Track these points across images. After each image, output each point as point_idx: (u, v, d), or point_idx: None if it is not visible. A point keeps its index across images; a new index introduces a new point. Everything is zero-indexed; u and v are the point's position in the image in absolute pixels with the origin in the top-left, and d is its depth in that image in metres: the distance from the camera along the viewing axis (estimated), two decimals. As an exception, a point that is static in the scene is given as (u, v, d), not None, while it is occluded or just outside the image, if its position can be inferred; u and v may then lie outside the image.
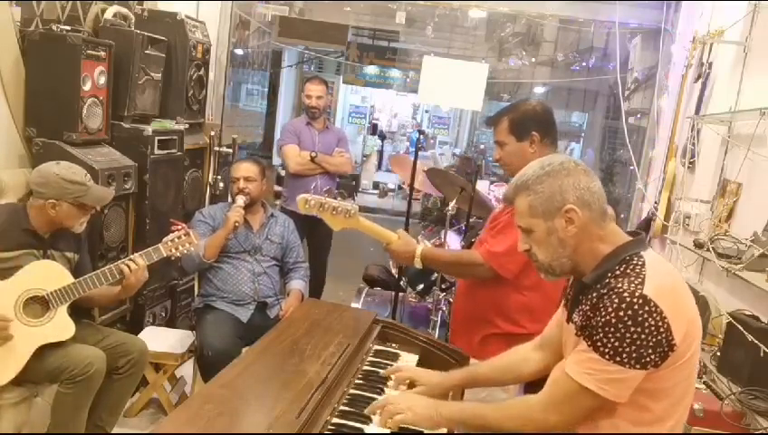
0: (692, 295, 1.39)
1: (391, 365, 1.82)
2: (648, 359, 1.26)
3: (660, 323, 1.24)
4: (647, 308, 1.24)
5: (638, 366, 1.26)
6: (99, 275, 2.36)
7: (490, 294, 2.09)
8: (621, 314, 1.25)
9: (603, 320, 1.27)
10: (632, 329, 1.24)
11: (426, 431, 1.49)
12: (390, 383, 1.72)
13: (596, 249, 1.39)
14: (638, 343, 1.25)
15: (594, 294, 1.33)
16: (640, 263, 1.32)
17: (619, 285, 1.29)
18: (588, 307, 1.34)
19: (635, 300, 1.25)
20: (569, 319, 1.45)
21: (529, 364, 1.67)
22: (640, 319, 1.24)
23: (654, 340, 1.25)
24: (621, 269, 1.33)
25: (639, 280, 1.28)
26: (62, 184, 2.29)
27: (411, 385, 1.70)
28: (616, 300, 1.27)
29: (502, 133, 2.10)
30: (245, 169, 3.10)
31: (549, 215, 1.38)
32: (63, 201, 2.30)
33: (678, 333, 1.26)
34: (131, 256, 2.44)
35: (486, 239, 2.10)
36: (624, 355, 1.26)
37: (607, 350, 1.27)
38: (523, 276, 2.03)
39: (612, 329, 1.26)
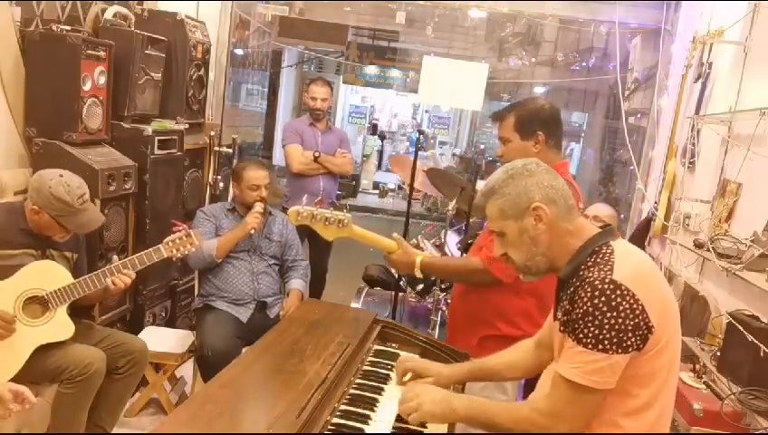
0: (664, 279, 1.42)
1: (391, 365, 1.82)
2: (629, 342, 1.28)
3: (635, 306, 1.28)
4: (618, 293, 1.28)
5: (620, 350, 1.29)
6: (99, 276, 2.35)
7: (488, 296, 2.09)
8: (596, 301, 1.28)
9: (581, 311, 1.30)
10: (608, 315, 1.27)
11: (425, 432, 1.50)
12: (391, 382, 1.73)
13: (568, 244, 1.43)
14: (617, 327, 1.27)
15: (570, 289, 1.37)
16: (609, 251, 1.37)
17: (590, 274, 1.32)
18: (567, 302, 1.37)
19: (606, 286, 1.28)
20: (555, 317, 1.48)
21: (530, 360, 1.70)
22: (614, 304, 1.27)
23: (632, 323, 1.28)
24: (592, 260, 1.37)
25: (609, 267, 1.32)
26: (49, 198, 2.26)
27: (414, 377, 1.70)
28: (588, 289, 1.30)
29: (507, 129, 2.07)
30: (263, 176, 3.11)
31: (518, 215, 1.43)
32: (45, 212, 2.29)
33: (654, 314, 1.29)
34: (120, 263, 2.41)
35: (486, 244, 2.09)
36: (606, 342, 1.28)
37: (588, 340, 1.30)
38: (521, 280, 2.03)
39: (590, 318, 1.29)
